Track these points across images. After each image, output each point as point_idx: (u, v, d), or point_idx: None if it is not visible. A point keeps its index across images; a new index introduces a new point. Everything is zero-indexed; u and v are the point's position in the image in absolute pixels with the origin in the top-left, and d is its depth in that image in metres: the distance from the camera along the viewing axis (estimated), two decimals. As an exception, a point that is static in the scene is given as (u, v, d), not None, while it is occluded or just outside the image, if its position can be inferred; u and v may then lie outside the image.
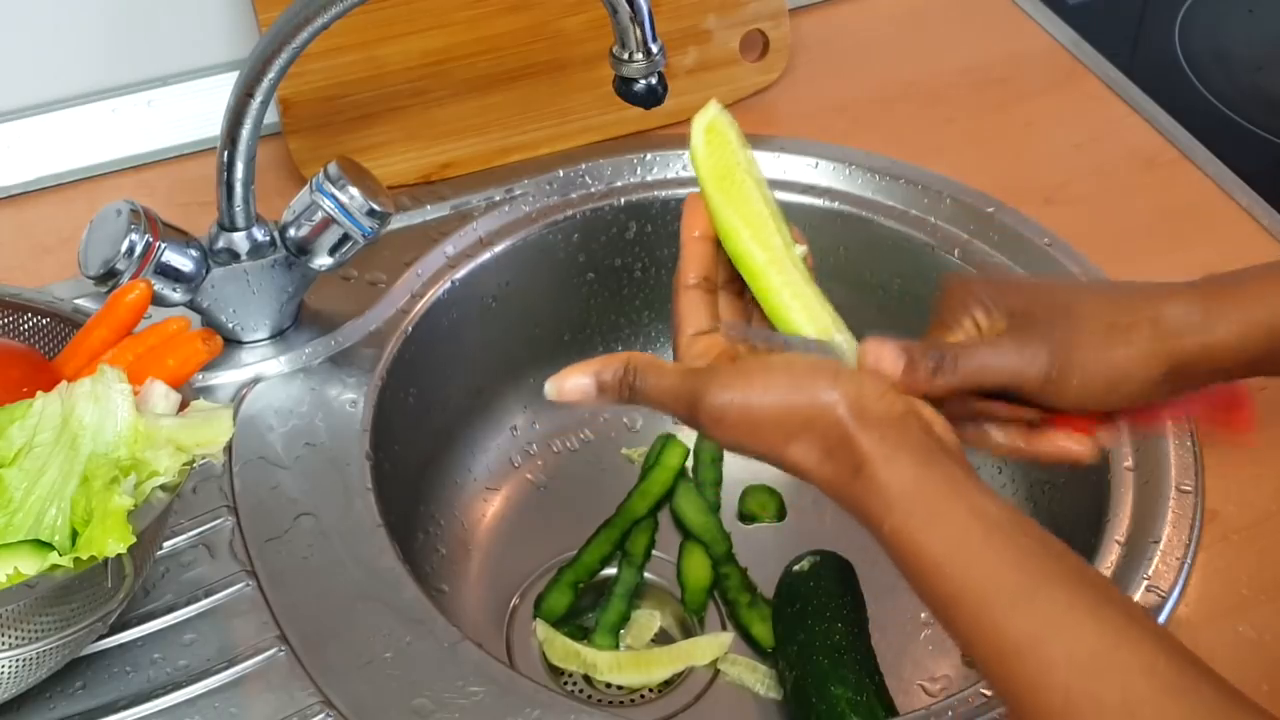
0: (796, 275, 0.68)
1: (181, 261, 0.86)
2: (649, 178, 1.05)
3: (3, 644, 0.65)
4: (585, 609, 0.98)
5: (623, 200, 1.04)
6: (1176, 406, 0.72)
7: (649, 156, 1.06)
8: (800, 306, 0.67)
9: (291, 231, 0.88)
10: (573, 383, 0.67)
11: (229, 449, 0.86)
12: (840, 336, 0.67)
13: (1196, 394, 0.71)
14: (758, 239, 0.68)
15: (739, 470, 1.05)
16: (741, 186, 0.69)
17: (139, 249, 0.84)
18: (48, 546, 0.65)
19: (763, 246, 0.68)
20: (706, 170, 0.70)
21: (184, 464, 0.69)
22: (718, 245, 0.70)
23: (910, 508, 0.59)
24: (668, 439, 1.05)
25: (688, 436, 1.06)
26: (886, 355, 0.66)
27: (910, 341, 0.67)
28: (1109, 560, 0.82)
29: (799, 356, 0.64)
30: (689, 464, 1.06)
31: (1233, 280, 0.70)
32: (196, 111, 1.05)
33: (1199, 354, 0.68)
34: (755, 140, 1.07)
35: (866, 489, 0.60)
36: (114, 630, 0.76)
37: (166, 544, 0.81)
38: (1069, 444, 0.69)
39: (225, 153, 0.85)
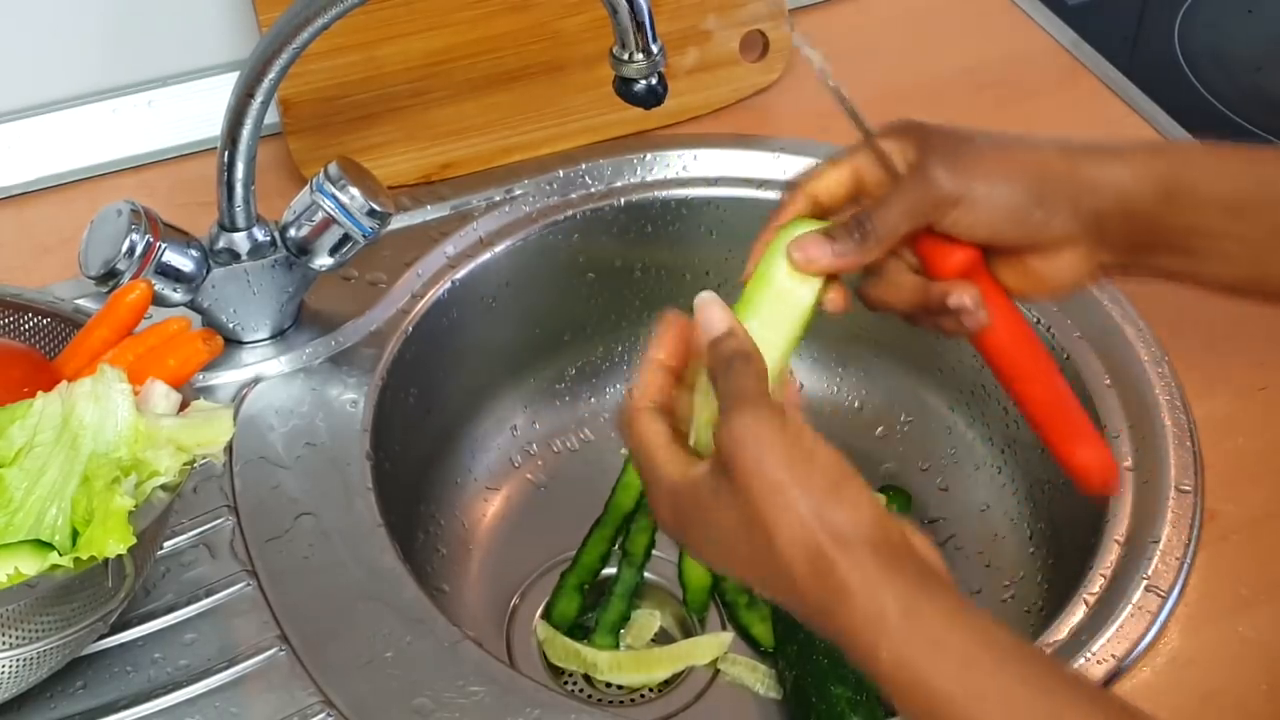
0: None
1: (182, 262, 0.86)
2: (649, 178, 1.05)
3: (3, 644, 0.65)
4: (586, 609, 0.98)
5: (623, 200, 1.04)
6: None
7: (649, 157, 1.06)
8: None
9: (292, 232, 0.88)
10: (716, 313, 0.65)
11: (229, 449, 0.86)
12: None
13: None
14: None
15: (739, 470, 1.05)
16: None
17: (139, 249, 0.84)
18: (48, 546, 0.65)
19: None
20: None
21: (184, 464, 0.70)
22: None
23: (910, 635, 0.56)
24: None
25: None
26: (813, 247, 0.68)
27: (826, 224, 0.69)
28: (1109, 560, 0.82)
29: (826, 450, 0.61)
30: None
31: (1149, 140, 0.74)
32: (197, 112, 1.05)
33: (1106, 189, 0.69)
34: (755, 140, 1.07)
35: (856, 613, 0.57)
36: (115, 630, 0.76)
37: (167, 544, 0.81)
38: (958, 297, 0.69)
39: (226, 153, 0.85)
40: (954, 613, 0.57)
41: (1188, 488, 0.85)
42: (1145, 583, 0.80)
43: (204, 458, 0.71)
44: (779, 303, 0.68)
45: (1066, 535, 0.93)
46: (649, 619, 0.98)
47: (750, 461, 0.59)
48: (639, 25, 0.79)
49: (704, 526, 0.62)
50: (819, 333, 1.07)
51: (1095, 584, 0.81)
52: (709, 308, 0.65)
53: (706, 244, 1.06)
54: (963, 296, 0.69)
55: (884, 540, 0.58)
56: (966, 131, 0.72)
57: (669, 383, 0.68)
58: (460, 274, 0.99)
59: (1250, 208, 0.69)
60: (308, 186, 0.87)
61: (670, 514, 0.64)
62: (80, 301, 0.84)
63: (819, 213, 0.72)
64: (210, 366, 0.87)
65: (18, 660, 0.67)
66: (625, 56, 0.81)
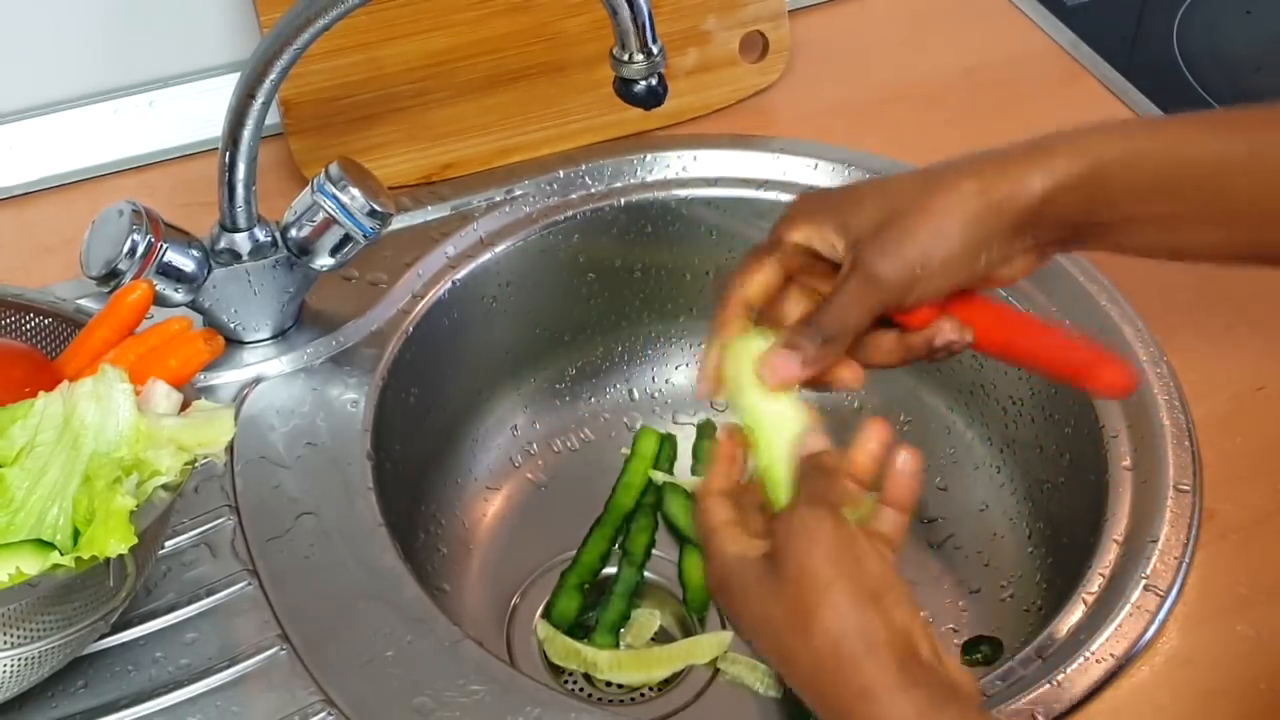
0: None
1: (183, 262, 0.86)
2: (649, 178, 1.05)
3: (5, 643, 0.66)
4: (586, 608, 0.98)
5: (623, 201, 1.04)
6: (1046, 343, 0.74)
7: (649, 157, 1.06)
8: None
9: (293, 232, 0.88)
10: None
11: (230, 449, 0.86)
12: None
13: (1064, 345, 0.73)
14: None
15: (739, 470, 1.05)
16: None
17: (141, 249, 0.84)
18: (49, 546, 0.65)
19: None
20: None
21: (186, 464, 0.70)
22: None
23: None
24: (643, 430, 1.05)
25: (662, 425, 1.07)
26: (782, 365, 0.70)
27: (783, 335, 0.71)
28: (1107, 559, 0.82)
29: (877, 559, 0.64)
30: (690, 465, 1.06)
31: (1072, 130, 0.72)
32: (198, 112, 1.05)
33: (1026, 200, 0.70)
34: (755, 141, 1.07)
35: (873, 717, 0.60)
36: (116, 629, 0.76)
37: (168, 543, 0.81)
38: (944, 335, 0.73)
39: (227, 153, 0.85)
40: None
41: (1186, 487, 0.85)
42: (1144, 582, 0.80)
43: (205, 457, 0.71)
44: (779, 429, 0.71)
45: (1065, 535, 0.93)
46: (649, 618, 0.98)
47: (802, 554, 0.63)
48: (639, 26, 0.79)
49: (747, 603, 0.65)
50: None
51: (1094, 583, 0.81)
52: (812, 438, 0.69)
53: (706, 244, 1.06)
54: (946, 334, 0.72)
55: (912, 654, 0.61)
56: (873, 194, 0.73)
57: (737, 473, 0.72)
58: (461, 274, 0.99)
59: (1167, 191, 0.70)
60: (309, 187, 0.87)
61: (719, 586, 0.67)
62: (81, 301, 0.84)
63: (756, 315, 0.74)
64: (211, 366, 0.87)
65: (19, 659, 0.67)
66: (625, 57, 0.81)
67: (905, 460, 0.70)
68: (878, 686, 0.60)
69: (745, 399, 0.71)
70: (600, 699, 0.94)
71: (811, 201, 0.75)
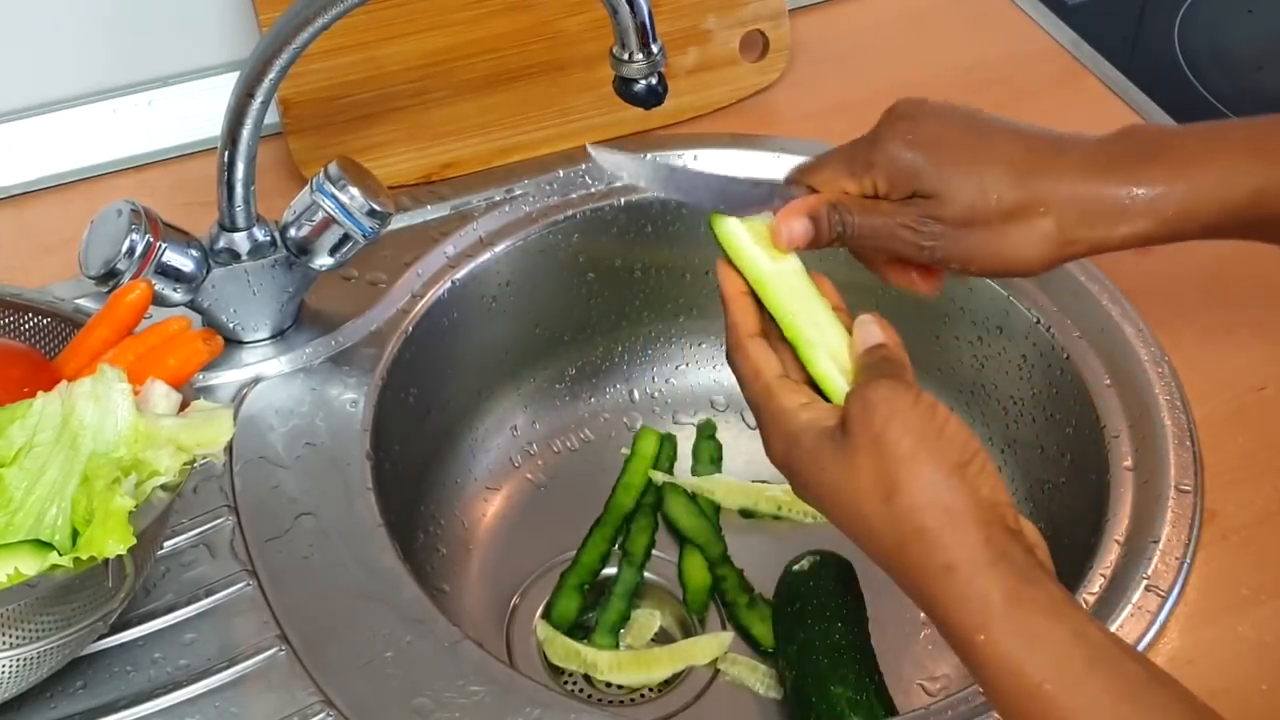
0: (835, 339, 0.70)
1: (182, 261, 0.86)
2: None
3: (3, 643, 0.65)
4: (586, 609, 0.98)
5: (623, 200, 1.04)
6: None
7: (649, 157, 1.06)
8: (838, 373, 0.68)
9: (292, 231, 0.88)
10: (796, 221, 0.71)
11: (229, 449, 0.86)
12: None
13: None
14: (821, 344, 0.69)
15: (739, 470, 1.05)
16: (784, 278, 0.71)
17: (139, 249, 0.84)
18: (48, 546, 0.65)
19: (829, 354, 0.69)
20: (750, 258, 0.72)
21: (184, 464, 0.70)
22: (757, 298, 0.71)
23: (1009, 624, 0.57)
24: (643, 430, 1.05)
25: (662, 425, 1.07)
26: (797, 227, 0.71)
27: (818, 202, 0.73)
28: (1108, 560, 0.82)
29: (958, 428, 0.62)
30: (690, 465, 1.06)
31: (1165, 147, 0.73)
32: (197, 112, 1.05)
33: (1099, 243, 0.72)
34: (755, 140, 1.07)
35: (959, 593, 0.58)
36: (115, 630, 0.76)
37: (167, 543, 0.81)
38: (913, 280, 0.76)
39: (226, 153, 0.85)
40: (1054, 606, 0.58)
41: (1187, 488, 0.85)
42: (1145, 582, 0.80)
43: (204, 458, 0.71)
44: (794, 289, 0.71)
45: (1066, 535, 0.93)
46: (649, 619, 0.98)
47: (881, 425, 0.61)
48: (639, 25, 0.79)
49: (821, 470, 0.63)
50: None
51: (1095, 584, 0.81)
52: (867, 326, 0.68)
53: (706, 244, 1.05)
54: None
55: (997, 523, 0.59)
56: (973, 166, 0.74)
57: (756, 307, 0.71)
58: (460, 274, 0.99)
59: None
60: (308, 186, 0.87)
61: (783, 453, 0.66)
62: (80, 301, 0.84)
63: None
64: (210, 366, 0.87)
65: (18, 660, 0.67)
66: (625, 56, 0.81)
67: None
68: (963, 561, 0.58)
69: (751, 270, 0.72)
70: (600, 700, 0.93)
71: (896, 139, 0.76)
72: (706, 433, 1.07)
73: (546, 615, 0.97)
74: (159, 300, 0.86)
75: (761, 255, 0.71)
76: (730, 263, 0.72)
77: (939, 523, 0.59)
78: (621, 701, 0.94)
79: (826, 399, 0.67)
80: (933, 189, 0.72)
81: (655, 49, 0.81)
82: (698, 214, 1.05)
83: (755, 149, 1.06)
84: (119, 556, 0.65)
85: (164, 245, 0.85)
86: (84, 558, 0.64)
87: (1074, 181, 0.72)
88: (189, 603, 0.79)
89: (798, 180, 0.75)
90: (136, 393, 0.71)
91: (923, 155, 0.73)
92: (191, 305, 0.89)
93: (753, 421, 1.07)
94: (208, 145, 1.05)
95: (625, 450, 1.06)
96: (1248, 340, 0.94)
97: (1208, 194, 0.72)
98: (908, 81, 1.14)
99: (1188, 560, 0.81)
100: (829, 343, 0.68)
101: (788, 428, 0.65)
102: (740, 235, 0.72)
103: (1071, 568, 0.86)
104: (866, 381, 0.64)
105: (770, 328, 0.70)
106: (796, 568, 0.93)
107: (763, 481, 1.04)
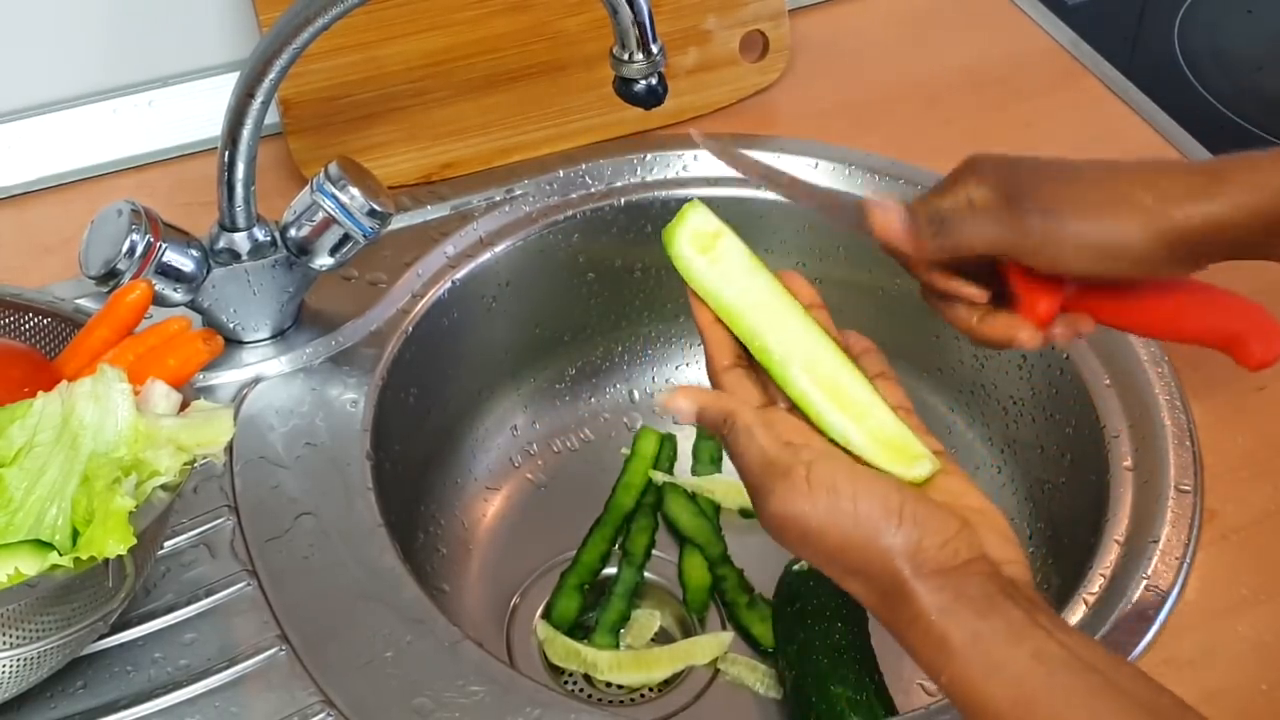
0: (844, 379, 0.66)
1: (182, 261, 0.86)
2: (649, 178, 1.05)
3: (4, 643, 0.65)
4: (586, 609, 0.98)
5: (623, 200, 1.04)
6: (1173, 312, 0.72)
7: (649, 157, 1.06)
8: (848, 420, 0.65)
9: (292, 232, 0.88)
10: (680, 402, 0.67)
11: (230, 449, 0.86)
12: (918, 458, 0.65)
13: (1203, 306, 0.72)
14: (795, 359, 0.66)
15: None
16: (752, 295, 0.68)
17: (140, 249, 0.84)
18: (48, 546, 0.65)
19: (803, 368, 0.66)
20: (709, 289, 0.68)
21: (185, 464, 0.70)
22: None
23: (968, 660, 0.58)
24: (643, 430, 1.06)
25: (662, 425, 1.07)
26: (893, 222, 0.71)
27: (911, 205, 0.72)
28: (1108, 560, 0.82)
29: (869, 484, 0.62)
30: (690, 465, 1.06)
31: (1244, 157, 0.71)
32: (197, 112, 1.05)
33: (1201, 225, 0.69)
34: (755, 141, 1.07)
35: (923, 639, 0.60)
36: (115, 630, 0.76)
37: (167, 543, 0.81)
38: (1015, 329, 0.72)
39: (226, 153, 0.85)
40: (1012, 632, 0.59)
41: (1187, 488, 0.85)
42: (1145, 582, 0.80)
43: (204, 458, 0.71)
44: (759, 305, 0.68)
45: (1066, 535, 0.93)
46: (649, 619, 0.98)
47: (798, 536, 0.62)
48: (639, 25, 0.79)
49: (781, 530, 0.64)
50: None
51: (1095, 584, 0.81)
52: (676, 400, 0.66)
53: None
54: (1059, 334, 0.73)
55: (947, 563, 0.60)
56: (1060, 170, 0.72)
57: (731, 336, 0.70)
58: (460, 274, 0.99)
59: None
60: (308, 186, 0.87)
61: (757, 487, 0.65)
62: (80, 301, 0.84)
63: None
64: (210, 366, 0.87)
65: (18, 660, 0.67)
66: (625, 57, 0.81)
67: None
68: (922, 613, 0.60)
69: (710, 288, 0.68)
70: (600, 700, 0.94)
71: (983, 162, 0.74)
72: (706, 433, 1.07)
73: (547, 615, 0.97)
74: (159, 300, 0.86)
75: (715, 274, 0.68)
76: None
77: (893, 585, 0.60)
78: (621, 701, 0.94)
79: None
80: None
81: (655, 49, 0.81)
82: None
83: (755, 149, 1.06)
84: (119, 556, 0.65)
85: (164, 245, 0.85)
86: (84, 558, 0.64)
87: (1158, 169, 0.72)
88: (189, 603, 0.79)
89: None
90: (136, 393, 0.71)
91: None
92: (191, 305, 0.89)
93: (753, 421, 1.08)
94: (208, 145, 1.05)
95: (625, 450, 1.06)
96: (1248, 340, 0.94)
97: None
98: (908, 81, 1.14)
99: (1187, 560, 0.81)
100: (803, 354, 0.66)
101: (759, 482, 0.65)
102: (694, 262, 0.68)
103: (1071, 568, 0.86)
104: (758, 496, 0.63)
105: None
106: (796, 568, 0.93)
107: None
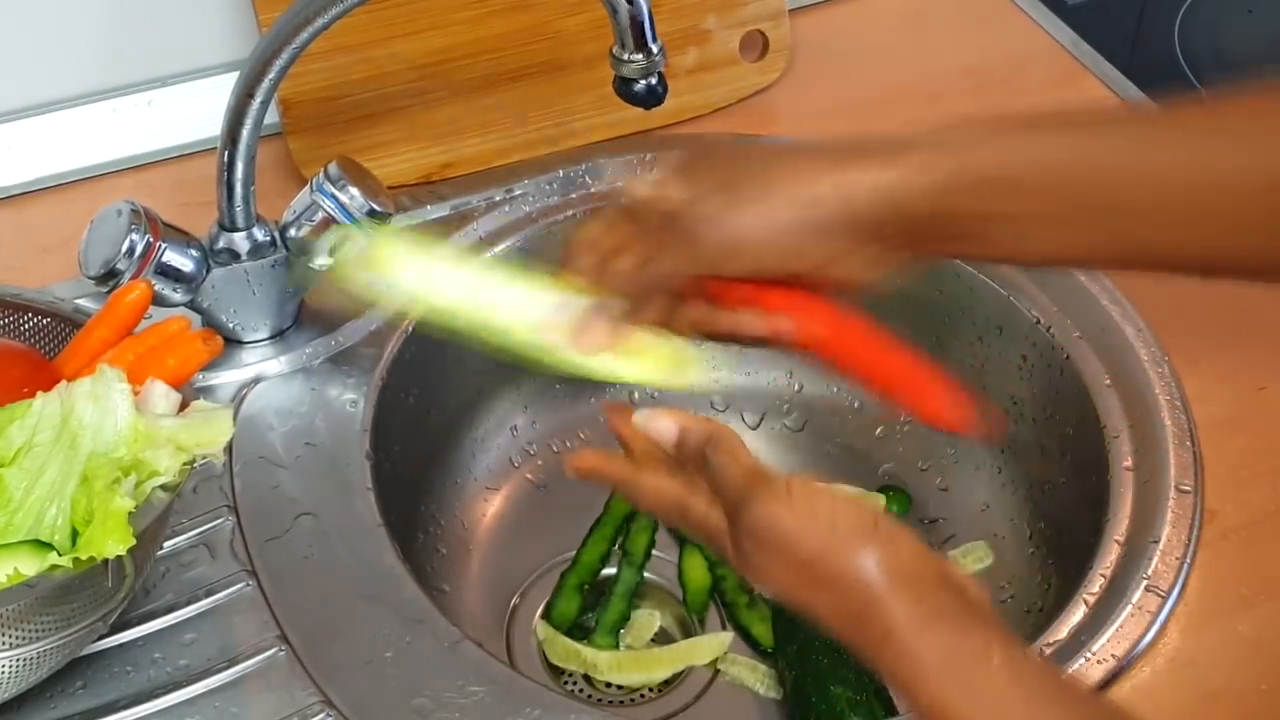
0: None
1: (182, 262, 0.86)
2: (649, 178, 1.05)
3: (3, 644, 0.65)
4: (586, 609, 0.98)
5: (623, 200, 1.04)
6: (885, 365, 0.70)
7: (649, 156, 1.06)
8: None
9: (292, 231, 0.88)
10: (662, 422, 0.68)
11: (229, 449, 0.86)
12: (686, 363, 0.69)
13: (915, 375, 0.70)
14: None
15: (739, 470, 1.05)
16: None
17: (139, 249, 0.84)
18: (48, 546, 0.65)
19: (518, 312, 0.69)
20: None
21: (184, 464, 0.70)
22: None
23: (947, 679, 0.58)
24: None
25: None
26: (590, 329, 0.72)
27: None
28: (1109, 560, 0.82)
29: (845, 499, 0.62)
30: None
31: (943, 129, 0.67)
32: (197, 112, 1.05)
33: (868, 200, 0.66)
34: (755, 140, 1.07)
35: (898, 656, 0.59)
36: (114, 630, 0.76)
37: (167, 544, 0.81)
38: (749, 321, 0.70)
39: (226, 153, 0.85)
40: (987, 652, 0.59)
41: (1188, 488, 0.85)
42: (1145, 583, 0.80)
43: (204, 458, 0.71)
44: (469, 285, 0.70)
45: (1066, 535, 0.93)
46: (649, 619, 0.98)
47: (773, 544, 0.62)
48: (639, 25, 0.79)
49: (753, 573, 0.64)
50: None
51: (1095, 584, 0.81)
52: (652, 420, 0.69)
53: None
54: (751, 325, 0.70)
55: (926, 577, 0.60)
56: (728, 158, 0.70)
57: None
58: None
59: (1039, 195, 0.65)
60: (308, 186, 0.87)
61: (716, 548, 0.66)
62: (80, 301, 0.84)
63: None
64: (210, 366, 0.87)
65: (17, 660, 0.67)
66: (625, 56, 0.81)
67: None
68: (898, 626, 0.59)
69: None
70: (600, 700, 0.93)
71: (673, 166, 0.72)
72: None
73: (546, 615, 0.97)
74: (159, 300, 0.86)
75: (425, 280, 0.69)
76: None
77: (867, 598, 0.60)
78: (621, 701, 0.93)
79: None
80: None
81: (655, 49, 0.81)
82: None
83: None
84: (119, 557, 0.65)
85: (164, 245, 0.85)
86: (84, 558, 0.64)
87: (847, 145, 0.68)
88: (189, 603, 0.79)
89: None
90: (136, 393, 0.71)
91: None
92: (191, 305, 0.89)
93: (752, 421, 1.08)
94: (208, 145, 1.04)
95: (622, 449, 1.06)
96: (1248, 341, 0.94)
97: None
98: (908, 81, 1.14)
99: (1188, 560, 0.81)
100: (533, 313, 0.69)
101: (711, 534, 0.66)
102: (401, 277, 0.70)
103: (1071, 568, 0.86)
104: (737, 509, 0.63)
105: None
106: (796, 568, 0.93)
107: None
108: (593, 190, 1.04)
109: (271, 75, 0.82)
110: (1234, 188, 0.62)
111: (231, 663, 0.77)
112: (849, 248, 0.67)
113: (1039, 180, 0.65)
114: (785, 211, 0.67)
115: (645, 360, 0.70)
